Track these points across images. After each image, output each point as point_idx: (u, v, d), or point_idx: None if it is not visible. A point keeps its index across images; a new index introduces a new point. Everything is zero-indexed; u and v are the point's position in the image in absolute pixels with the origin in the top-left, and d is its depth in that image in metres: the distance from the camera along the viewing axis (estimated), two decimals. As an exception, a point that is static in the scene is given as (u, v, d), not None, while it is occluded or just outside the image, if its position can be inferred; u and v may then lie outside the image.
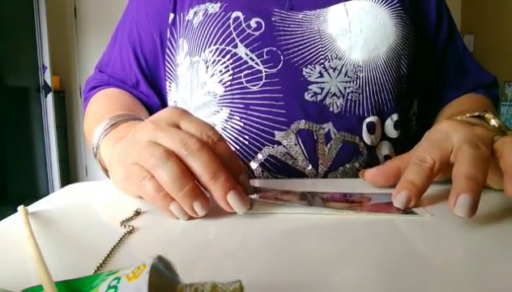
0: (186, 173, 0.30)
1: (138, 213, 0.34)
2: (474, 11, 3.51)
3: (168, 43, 0.60)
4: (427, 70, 0.62)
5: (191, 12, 0.56)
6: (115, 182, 0.38)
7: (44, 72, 2.75)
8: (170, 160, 0.30)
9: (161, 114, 0.34)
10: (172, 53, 0.60)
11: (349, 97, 0.51)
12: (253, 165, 0.52)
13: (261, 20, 0.52)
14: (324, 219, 0.32)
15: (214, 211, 0.36)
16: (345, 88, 0.51)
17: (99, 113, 0.55)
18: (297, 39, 0.52)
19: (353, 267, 0.24)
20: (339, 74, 0.51)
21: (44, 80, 2.76)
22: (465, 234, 0.29)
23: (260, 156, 0.51)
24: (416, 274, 0.23)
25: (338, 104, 0.51)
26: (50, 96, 2.80)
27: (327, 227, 0.31)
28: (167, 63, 0.61)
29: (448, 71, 0.64)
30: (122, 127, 0.45)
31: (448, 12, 0.64)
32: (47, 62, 2.75)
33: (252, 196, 0.34)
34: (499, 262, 0.24)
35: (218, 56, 0.53)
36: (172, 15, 0.59)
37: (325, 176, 0.52)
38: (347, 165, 0.52)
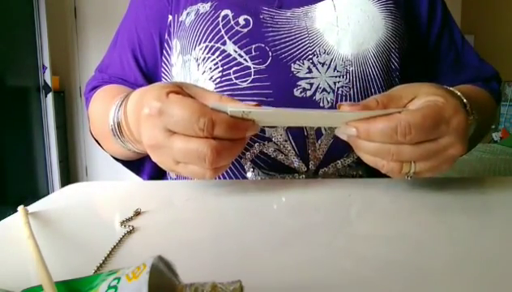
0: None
1: (138, 213, 0.34)
2: (474, 11, 3.51)
3: (165, 44, 0.60)
4: (421, 63, 0.62)
5: (184, 13, 0.57)
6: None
7: (44, 72, 2.75)
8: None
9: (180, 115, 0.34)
10: (168, 54, 0.60)
11: (339, 92, 0.51)
12: (244, 161, 0.52)
13: (249, 17, 0.53)
14: (324, 220, 0.32)
15: (213, 211, 0.36)
16: (335, 83, 0.51)
17: (109, 97, 0.53)
18: (285, 35, 0.52)
19: (352, 267, 0.24)
20: (327, 69, 0.51)
21: (44, 80, 2.76)
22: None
23: (251, 152, 0.51)
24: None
25: (328, 99, 0.51)
26: (50, 96, 2.79)
27: (327, 228, 0.31)
28: (163, 64, 0.61)
29: (443, 64, 0.63)
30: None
31: (443, 6, 0.63)
32: (47, 62, 2.74)
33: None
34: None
35: (208, 53, 0.53)
36: (170, 17, 0.59)
37: (316, 172, 0.52)
38: (339, 162, 0.52)
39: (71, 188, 0.44)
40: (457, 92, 0.42)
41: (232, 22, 0.53)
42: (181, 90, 0.36)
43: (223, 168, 0.36)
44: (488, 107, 0.58)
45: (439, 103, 0.35)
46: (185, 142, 0.33)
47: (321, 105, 0.51)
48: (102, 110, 0.51)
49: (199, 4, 0.55)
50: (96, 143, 0.60)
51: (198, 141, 0.33)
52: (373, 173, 0.52)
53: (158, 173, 0.63)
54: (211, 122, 0.32)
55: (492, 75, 0.64)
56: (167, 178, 0.63)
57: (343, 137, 0.37)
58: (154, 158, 0.37)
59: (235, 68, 0.52)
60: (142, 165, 0.62)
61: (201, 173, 0.35)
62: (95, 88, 0.63)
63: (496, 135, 3.30)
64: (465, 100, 0.41)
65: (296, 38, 0.52)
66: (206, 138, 0.33)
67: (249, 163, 0.52)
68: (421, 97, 0.37)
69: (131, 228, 0.30)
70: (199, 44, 0.53)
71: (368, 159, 0.37)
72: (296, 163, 0.51)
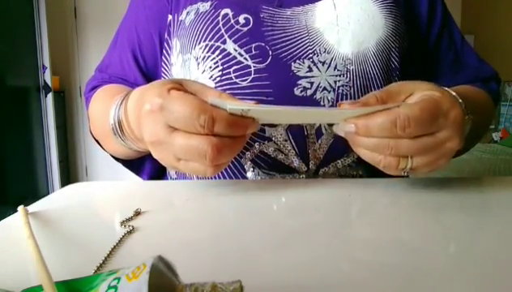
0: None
1: (138, 213, 0.34)
2: (474, 11, 3.51)
3: (165, 44, 0.60)
4: (420, 63, 0.62)
5: (184, 12, 0.57)
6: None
7: (44, 72, 2.75)
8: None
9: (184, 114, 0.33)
10: (167, 53, 0.60)
11: (340, 91, 0.51)
12: (245, 161, 0.52)
13: (249, 16, 0.53)
14: (324, 220, 0.32)
15: (213, 211, 0.36)
16: (335, 82, 0.51)
17: (109, 96, 0.53)
18: (285, 34, 0.52)
19: (352, 267, 0.24)
20: (328, 68, 0.51)
21: (44, 80, 2.76)
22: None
23: (251, 152, 0.51)
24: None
25: (329, 98, 0.51)
26: (50, 96, 2.79)
27: (327, 228, 0.31)
28: (163, 64, 0.61)
29: (442, 64, 0.63)
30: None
31: (443, 6, 0.63)
32: (47, 62, 2.74)
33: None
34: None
35: (208, 52, 0.53)
36: (170, 17, 0.59)
37: (316, 172, 0.52)
38: (339, 161, 0.52)
39: (71, 188, 0.44)
40: (452, 92, 0.42)
41: (232, 21, 0.53)
42: (181, 87, 0.36)
43: (223, 165, 0.36)
44: (485, 107, 0.58)
45: (435, 97, 0.36)
46: (186, 138, 0.33)
47: (321, 103, 0.51)
48: (102, 110, 0.51)
49: (199, 3, 0.56)
50: (96, 143, 0.60)
51: (199, 138, 0.33)
52: (373, 173, 0.52)
53: (158, 173, 0.63)
54: (211, 119, 0.32)
55: (491, 76, 0.64)
56: (167, 178, 0.63)
57: (341, 134, 0.37)
58: (155, 155, 0.37)
59: (235, 67, 0.52)
60: (143, 165, 0.62)
61: (201, 170, 0.35)
62: (95, 87, 0.63)
63: (496, 135, 3.30)
64: (460, 101, 0.41)
65: (296, 37, 0.52)
66: (207, 135, 0.33)
67: (249, 163, 0.52)
68: (418, 93, 0.37)
69: (131, 228, 0.30)
70: (199, 43, 0.53)
71: (364, 154, 0.37)
72: (297, 163, 0.51)
